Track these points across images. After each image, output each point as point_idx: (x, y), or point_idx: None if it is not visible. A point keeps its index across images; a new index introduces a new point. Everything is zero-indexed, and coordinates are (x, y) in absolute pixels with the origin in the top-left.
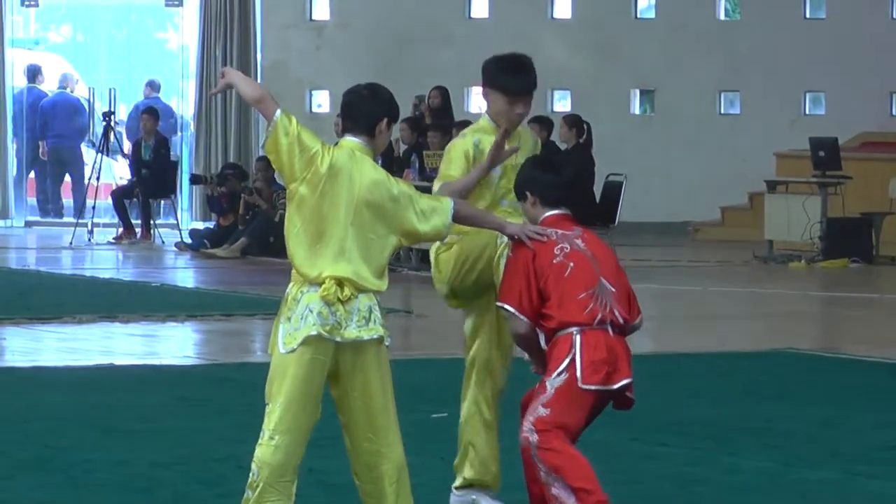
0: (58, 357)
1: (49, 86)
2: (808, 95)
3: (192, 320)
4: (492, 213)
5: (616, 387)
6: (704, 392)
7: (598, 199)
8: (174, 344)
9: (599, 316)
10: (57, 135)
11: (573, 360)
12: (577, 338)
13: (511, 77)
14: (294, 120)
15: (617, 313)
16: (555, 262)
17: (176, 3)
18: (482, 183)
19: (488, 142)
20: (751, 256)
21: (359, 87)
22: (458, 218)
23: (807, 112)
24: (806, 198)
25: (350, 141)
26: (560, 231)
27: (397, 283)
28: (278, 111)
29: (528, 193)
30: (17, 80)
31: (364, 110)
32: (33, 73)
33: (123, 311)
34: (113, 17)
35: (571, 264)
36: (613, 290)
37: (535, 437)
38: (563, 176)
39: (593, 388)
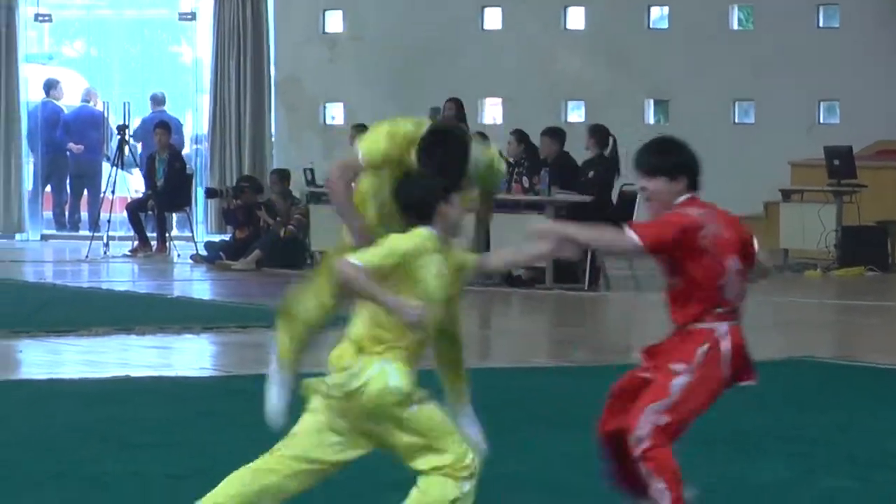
0: (74, 370)
1: (67, 100)
2: (822, 104)
3: (208, 332)
4: None
5: (743, 384)
6: (720, 402)
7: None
8: (190, 356)
9: (733, 307)
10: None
11: (714, 355)
12: (721, 328)
13: None
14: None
15: (741, 302)
16: (700, 244)
17: (189, 17)
18: None
19: None
20: None
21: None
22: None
23: (821, 121)
24: (821, 206)
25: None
26: (704, 210)
27: None
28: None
29: (682, 175)
30: (31, 95)
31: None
32: (50, 87)
33: (139, 324)
34: (126, 31)
35: (714, 247)
36: (740, 266)
37: (648, 445)
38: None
39: (722, 382)
